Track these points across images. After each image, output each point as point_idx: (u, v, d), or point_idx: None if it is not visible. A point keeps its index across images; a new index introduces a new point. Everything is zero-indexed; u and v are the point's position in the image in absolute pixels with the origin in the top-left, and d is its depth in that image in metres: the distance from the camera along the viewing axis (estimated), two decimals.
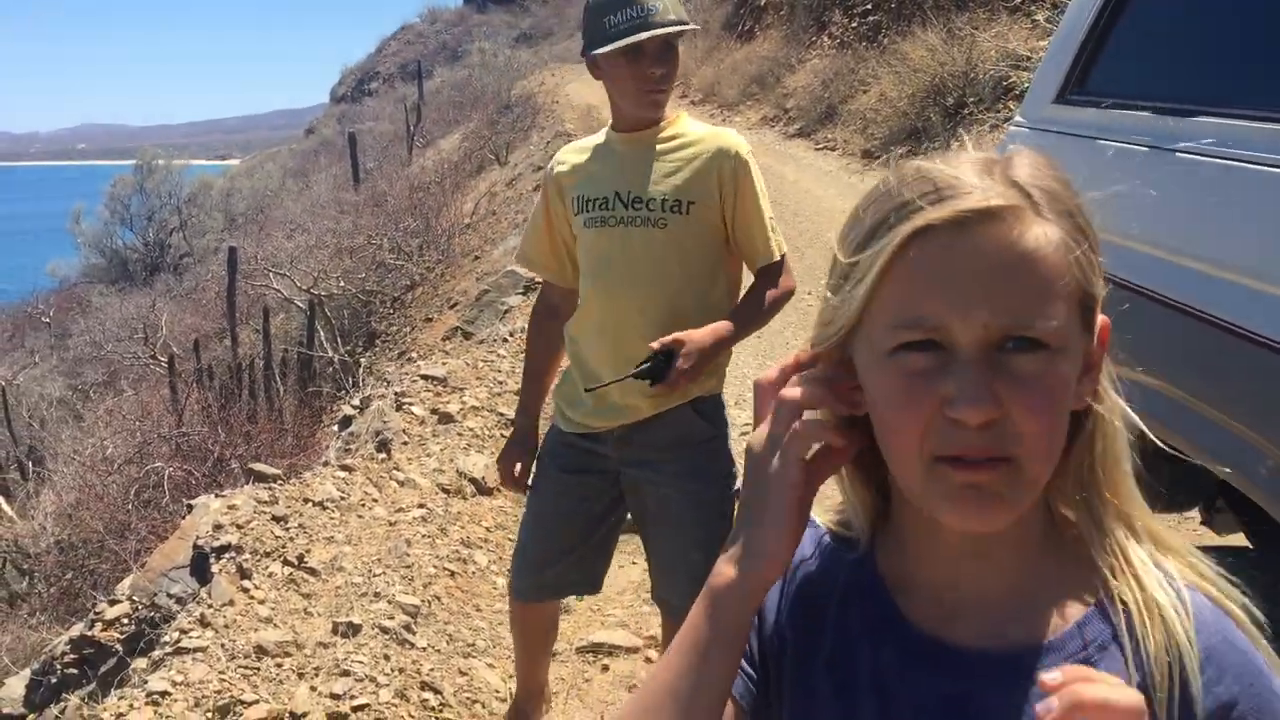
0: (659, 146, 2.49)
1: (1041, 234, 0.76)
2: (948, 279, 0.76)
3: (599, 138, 2.63)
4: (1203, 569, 0.86)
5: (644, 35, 2.36)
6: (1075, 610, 0.84)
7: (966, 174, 0.78)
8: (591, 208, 2.52)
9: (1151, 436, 0.89)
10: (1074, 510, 0.85)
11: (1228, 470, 1.92)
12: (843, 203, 11.02)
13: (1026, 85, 3.00)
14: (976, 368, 0.75)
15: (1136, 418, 0.85)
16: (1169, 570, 0.84)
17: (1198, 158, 2.09)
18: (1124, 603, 0.82)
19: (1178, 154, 2.18)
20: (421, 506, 4.77)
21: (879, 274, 0.78)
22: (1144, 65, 2.62)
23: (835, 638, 0.91)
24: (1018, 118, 3.09)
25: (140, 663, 3.90)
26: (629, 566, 4.61)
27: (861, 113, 14.56)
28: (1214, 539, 2.72)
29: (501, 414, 6.13)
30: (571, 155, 2.64)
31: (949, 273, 0.76)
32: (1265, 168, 1.89)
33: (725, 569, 0.85)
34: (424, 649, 3.76)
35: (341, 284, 16.60)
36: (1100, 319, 0.82)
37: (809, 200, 11.88)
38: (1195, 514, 2.67)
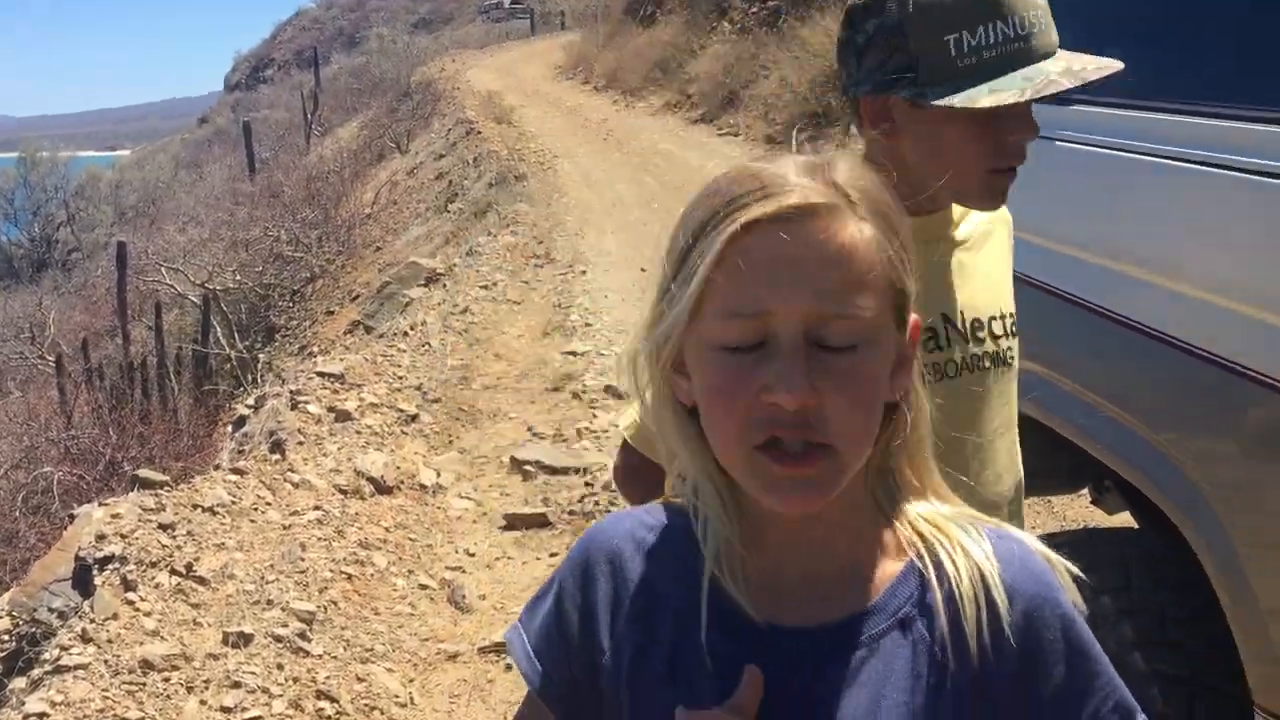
0: (957, 233, 1.51)
1: (856, 230, 0.83)
2: (772, 268, 0.82)
3: None
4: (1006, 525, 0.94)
5: (1048, 86, 1.33)
6: (891, 572, 0.90)
7: (790, 173, 0.85)
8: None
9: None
10: (883, 486, 0.92)
11: (1108, 454, 1.95)
12: None
13: None
14: (794, 357, 0.82)
15: (929, 407, 0.92)
16: (971, 521, 0.92)
17: (1077, 146, 2.11)
18: (933, 553, 0.89)
19: (1057, 143, 2.19)
20: (317, 508, 4.66)
21: (711, 264, 0.84)
22: None
23: (674, 634, 0.92)
24: None
25: (19, 683, 3.73)
26: (532, 562, 4.56)
27: (763, 98, 14.65)
28: (1104, 518, 2.77)
29: (401, 410, 6.02)
30: None
31: (773, 263, 0.82)
32: (1143, 156, 1.91)
33: None
34: (320, 656, 3.67)
35: (238, 278, 16.19)
36: (912, 317, 0.89)
37: None
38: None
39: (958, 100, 1.33)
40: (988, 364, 1.49)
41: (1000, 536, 0.91)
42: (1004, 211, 1.53)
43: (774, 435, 0.83)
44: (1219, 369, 1.67)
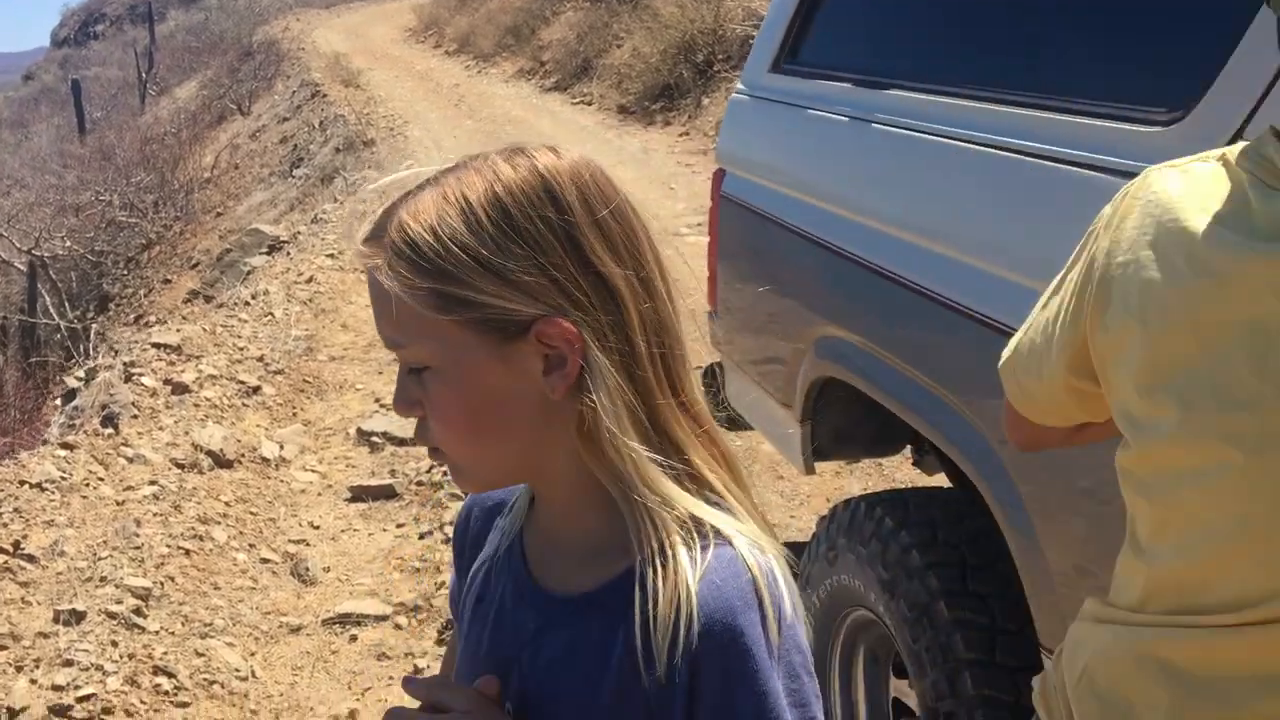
0: None
1: (384, 277, 0.91)
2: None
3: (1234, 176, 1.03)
4: (727, 523, 0.91)
5: None
6: (619, 567, 0.91)
7: (364, 219, 0.94)
8: None
9: None
10: (610, 477, 0.92)
11: (913, 416, 2.08)
12: (601, 160, 11.01)
13: None
14: (399, 377, 0.95)
15: (626, 391, 0.90)
16: (699, 529, 0.90)
17: (888, 129, 2.23)
18: (651, 559, 0.88)
19: (873, 124, 2.32)
20: (153, 484, 4.53)
21: None
22: (846, 40, 2.76)
23: (486, 573, 1.04)
24: (739, 85, 3.19)
25: None
26: (379, 534, 4.55)
27: (616, 68, 14.65)
28: (925, 479, 2.93)
29: (242, 382, 5.89)
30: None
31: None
32: (944, 139, 2.03)
33: None
34: (156, 632, 3.60)
35: (67, 244, 15.42)
36: (559, 325, 0.88)
37: None
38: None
39: None
40: None
41: (719, 552, 0.89)
42: None
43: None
44: (1004, 334, 1.80)
